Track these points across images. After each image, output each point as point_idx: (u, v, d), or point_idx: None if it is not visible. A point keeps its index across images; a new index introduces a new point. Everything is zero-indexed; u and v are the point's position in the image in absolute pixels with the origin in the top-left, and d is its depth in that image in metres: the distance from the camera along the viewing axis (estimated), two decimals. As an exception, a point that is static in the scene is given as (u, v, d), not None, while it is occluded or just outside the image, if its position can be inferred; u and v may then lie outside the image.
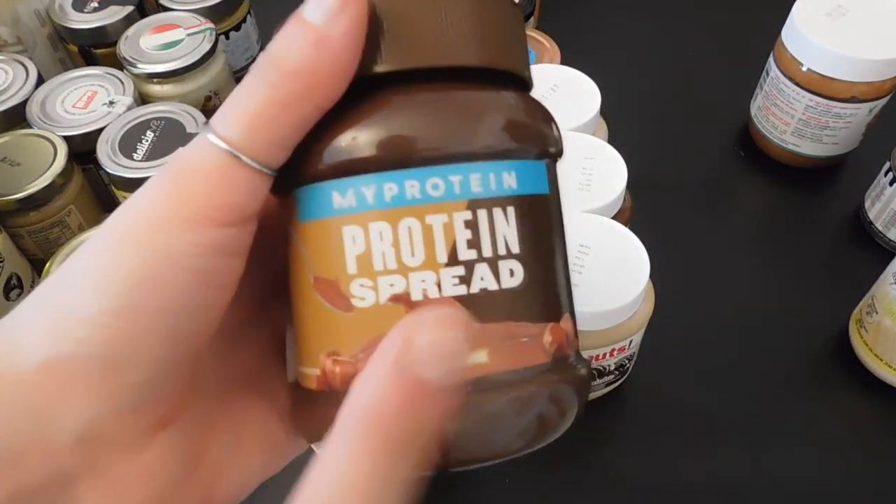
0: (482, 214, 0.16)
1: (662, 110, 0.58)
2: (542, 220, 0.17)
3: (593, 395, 0.41)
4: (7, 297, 0.41)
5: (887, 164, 0.46)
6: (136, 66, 0.48)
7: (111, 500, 0.15)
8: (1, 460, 0.14)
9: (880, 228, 0.48)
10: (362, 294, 0.16)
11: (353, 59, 0.15)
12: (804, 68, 0.47)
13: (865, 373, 0.42)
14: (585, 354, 0.37)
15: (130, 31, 0.51)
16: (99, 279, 0.15)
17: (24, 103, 0.46)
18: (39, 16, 0.52)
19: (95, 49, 0.53)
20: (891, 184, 0.46)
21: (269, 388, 0.19)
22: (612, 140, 0.43)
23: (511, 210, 0.16)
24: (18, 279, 0.42)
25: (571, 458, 0.40)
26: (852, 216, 0.51)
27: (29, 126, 0.45)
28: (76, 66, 0.53)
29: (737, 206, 0.52)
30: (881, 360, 0.41)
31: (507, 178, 0.16)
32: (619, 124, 0.46)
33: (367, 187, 0.16)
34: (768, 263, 0.48)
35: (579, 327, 0.39)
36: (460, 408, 0.15)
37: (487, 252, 0.16)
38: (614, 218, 0.38)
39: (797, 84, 0.48)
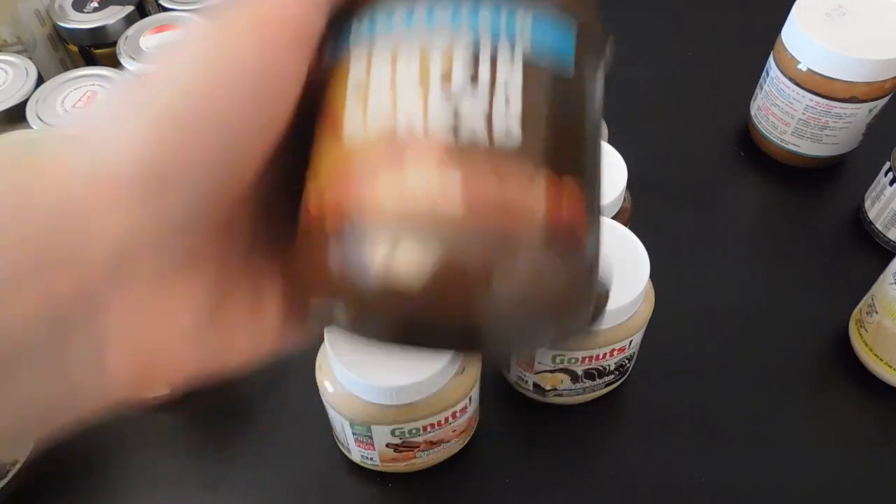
0: (485, 55, 0.15)
1: (662, 110, 0.58)
2: (561, 93, 0.16)
3: (593, 395, 0.41)
4: (7, 297, 0.41)
5: (887, 164, 0.46)
6: (136, 66, 0.48)
7: (134, 332, 0.15)
8: (37, 268, 0.14)
9: (880, 228, 0.48)
10: (354, 127, 0.15)
11: None
12: (804, 68, 0.47)
13: (865, 373, 0.42)
14: (586, 354, 0.37)
15: (130, 31, 0.51)
16: (153, 95, 0.15)
17: (24, 103, 0.46)
18: (39, 16, 0.52)
19: (95, 49, 0.53)
20: (891, 184, 0.46)
21: None
22: (612, 140, 0.43)
23: (518, 66, 0.15)
24: (18, 279, 0.42)
25: (571, 457, 0.40)
26: (852, 216, 0.51)
27: (29, 126, 0.45)
28: (76, 66, 0.53)
29: (737, 207, 0.52)
30: (881, 360, 0.41)
31: (523, 26, 0.15)
32: (619, 124, 0.46)
33: (381, 15, 0.15)
34: (768, 263, 0.48)
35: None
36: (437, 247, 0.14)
37: (483, 103, 0.15)
38: (614, 218, 0.38)
39: (797, 84, 0.48)
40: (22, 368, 0.14)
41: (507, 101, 0.15)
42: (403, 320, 0.15)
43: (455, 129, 0.15)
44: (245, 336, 0.18)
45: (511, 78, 0.15)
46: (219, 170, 0.16)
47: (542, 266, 0.15)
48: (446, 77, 0.15)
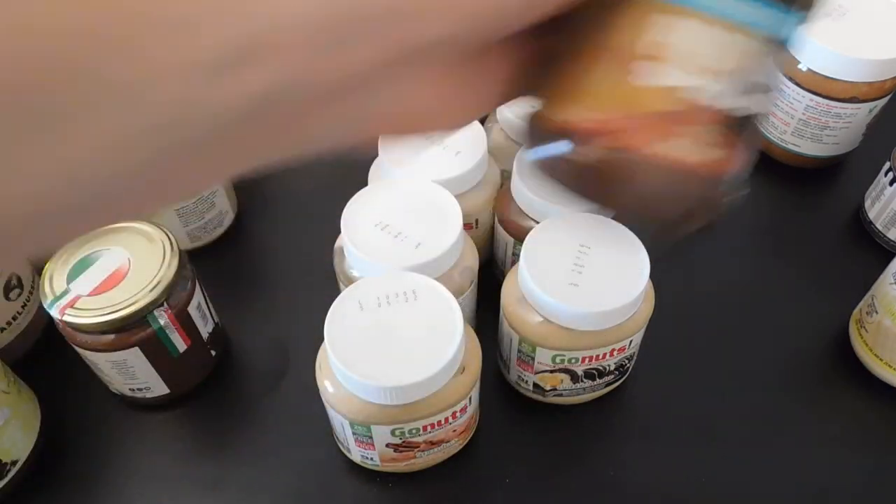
0: (770, 53, 0.18)
1: (662, 110, 0.58)
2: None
3: (593, 395, 0.41)
4: (7, 297, 0.41)
5: (887, 164, 0.46)
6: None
7: (399, 101, 0.18)
8: (366, 33, 0.16)
9: (880, 228, 0.48)
10: (649, 73, 0.18)
11: None
12: (804, 68, 0.47)
13: (865, 373, 0.42)
14: (585, 354, 0.37)
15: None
16: None
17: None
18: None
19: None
20: (891, 184, 0.46)
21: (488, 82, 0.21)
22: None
23: (776, 70, 0.19)
24: (18, 279, 0.42)
25: (571, 457, 0.40)
26: (852, 216, 0.51)
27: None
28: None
29: (737, 207, 0.52)
30: (881, 360, 0.41)
31: (793, 31, 0.19)
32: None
33: None
34: (768, 263, 0.48)
35: (579, 328, 0.39)
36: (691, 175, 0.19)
37: (761, 81, 0.19)
38: (614, 218, 0.38)
39: (797, 84, 0.48)
40: (323, 109, 0.17)
41: (769, 82, 0.19)
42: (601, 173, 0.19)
43: (738, 100, 0.18)
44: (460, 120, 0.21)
45: (771, 70, 0.19)
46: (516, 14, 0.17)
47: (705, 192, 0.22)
48: (739, 57, 0.18)
